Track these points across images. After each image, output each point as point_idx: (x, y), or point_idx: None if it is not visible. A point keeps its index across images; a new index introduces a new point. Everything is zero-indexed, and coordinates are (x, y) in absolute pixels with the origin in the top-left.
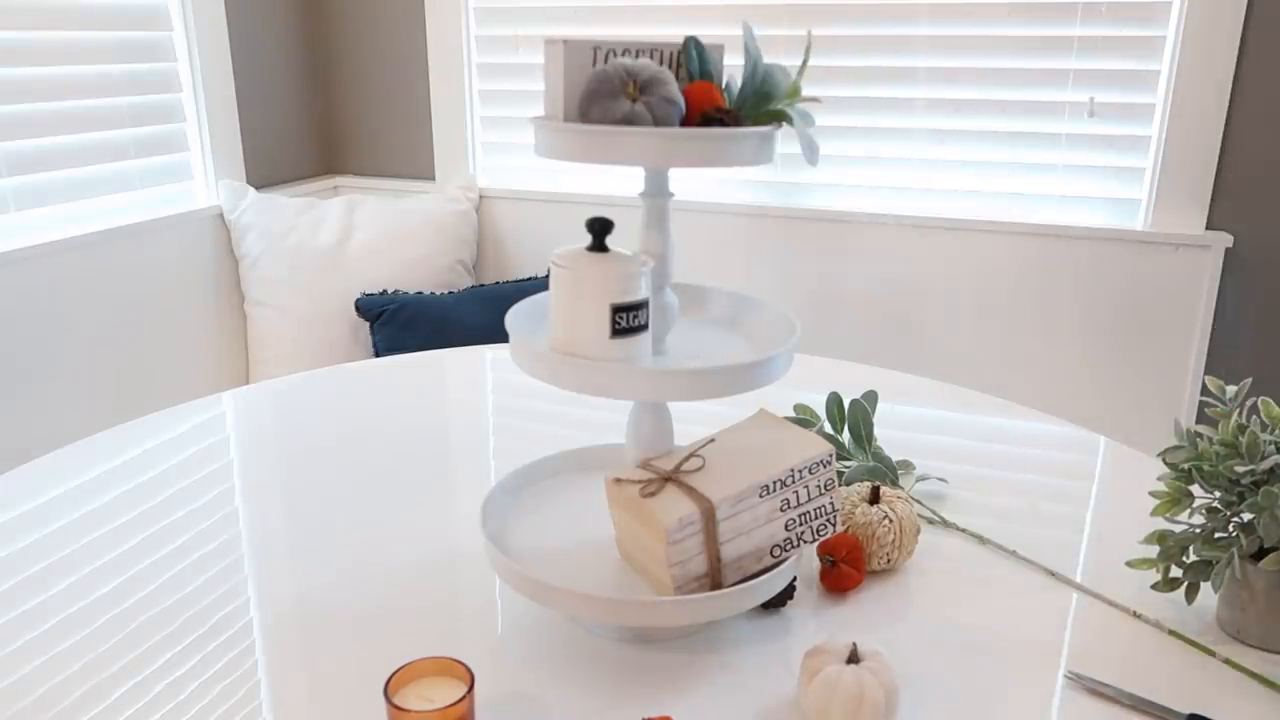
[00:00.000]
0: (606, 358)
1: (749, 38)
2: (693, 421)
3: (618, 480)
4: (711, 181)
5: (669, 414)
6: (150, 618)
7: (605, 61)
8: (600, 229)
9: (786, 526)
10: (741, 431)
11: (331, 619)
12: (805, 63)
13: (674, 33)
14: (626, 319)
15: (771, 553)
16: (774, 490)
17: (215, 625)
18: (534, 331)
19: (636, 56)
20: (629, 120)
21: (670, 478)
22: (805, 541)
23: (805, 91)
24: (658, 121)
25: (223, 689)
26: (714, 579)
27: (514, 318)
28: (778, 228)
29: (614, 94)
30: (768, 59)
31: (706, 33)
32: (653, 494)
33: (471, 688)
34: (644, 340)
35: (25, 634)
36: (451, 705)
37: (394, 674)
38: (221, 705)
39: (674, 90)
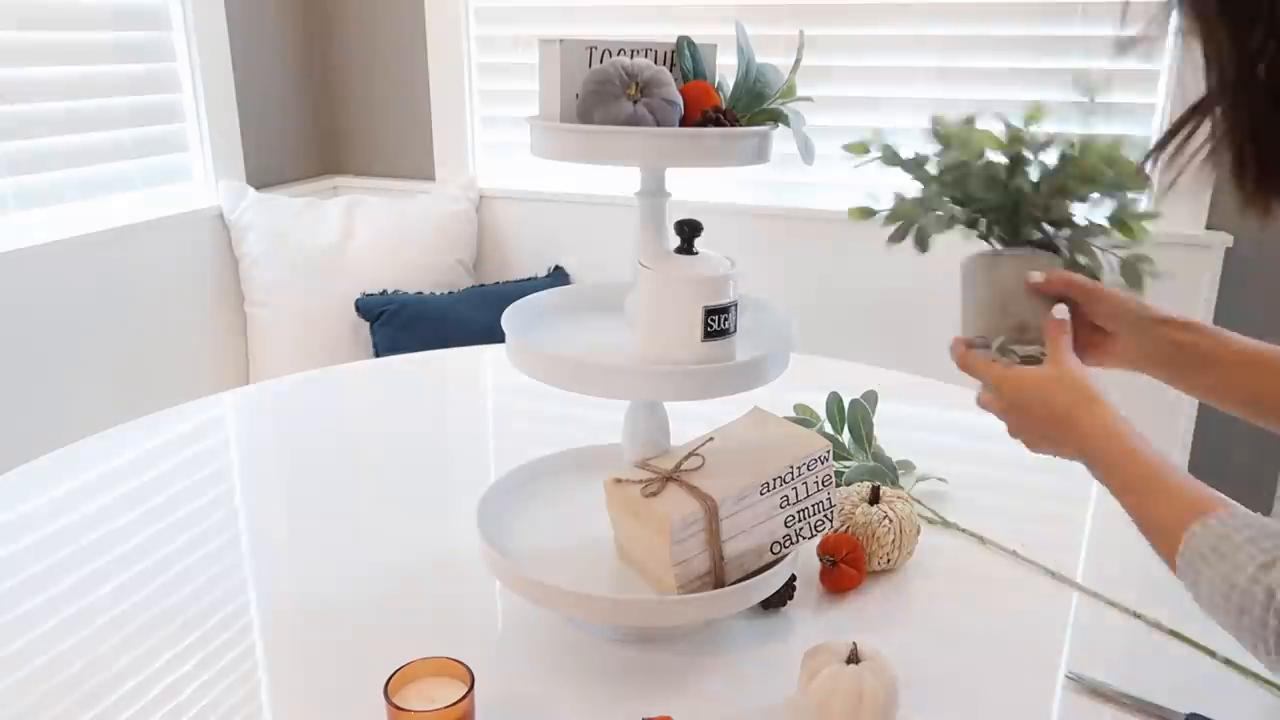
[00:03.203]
0: (697, 361)
1: (742, 37)
2: (686, 420)
3: (618, 481)
4: (709, 181)
5: (665, 414)
6: (150, 618)
7: (601, 61)
8: (690, 231)
9: (786, 523)
10: (738, 429)
11: (331, 619)
12: (798, 61)
13: (657, 31)
14: (719, 321)
15: (771, 549)
16: (774, 487)
17: (215, 625)
18: (531, 332)
19: (632, 56)
20: (632, 121)
21: (671, 477)
22: (804, 538)
23: (799, 90)
24: (659, 122)
25: (223, 689)
26: (716, 577)
27: (511, 319)
28: (776, 227)
29: (616, 95)
30: (759, 58)
31: (690, 32)
32: (654, 494)
33: (471, 688)
34: (732, 343)
35: (26, 634)
36: (451, 705)
37: (394, 674)
38: (221, 705)
39: (674, 91)
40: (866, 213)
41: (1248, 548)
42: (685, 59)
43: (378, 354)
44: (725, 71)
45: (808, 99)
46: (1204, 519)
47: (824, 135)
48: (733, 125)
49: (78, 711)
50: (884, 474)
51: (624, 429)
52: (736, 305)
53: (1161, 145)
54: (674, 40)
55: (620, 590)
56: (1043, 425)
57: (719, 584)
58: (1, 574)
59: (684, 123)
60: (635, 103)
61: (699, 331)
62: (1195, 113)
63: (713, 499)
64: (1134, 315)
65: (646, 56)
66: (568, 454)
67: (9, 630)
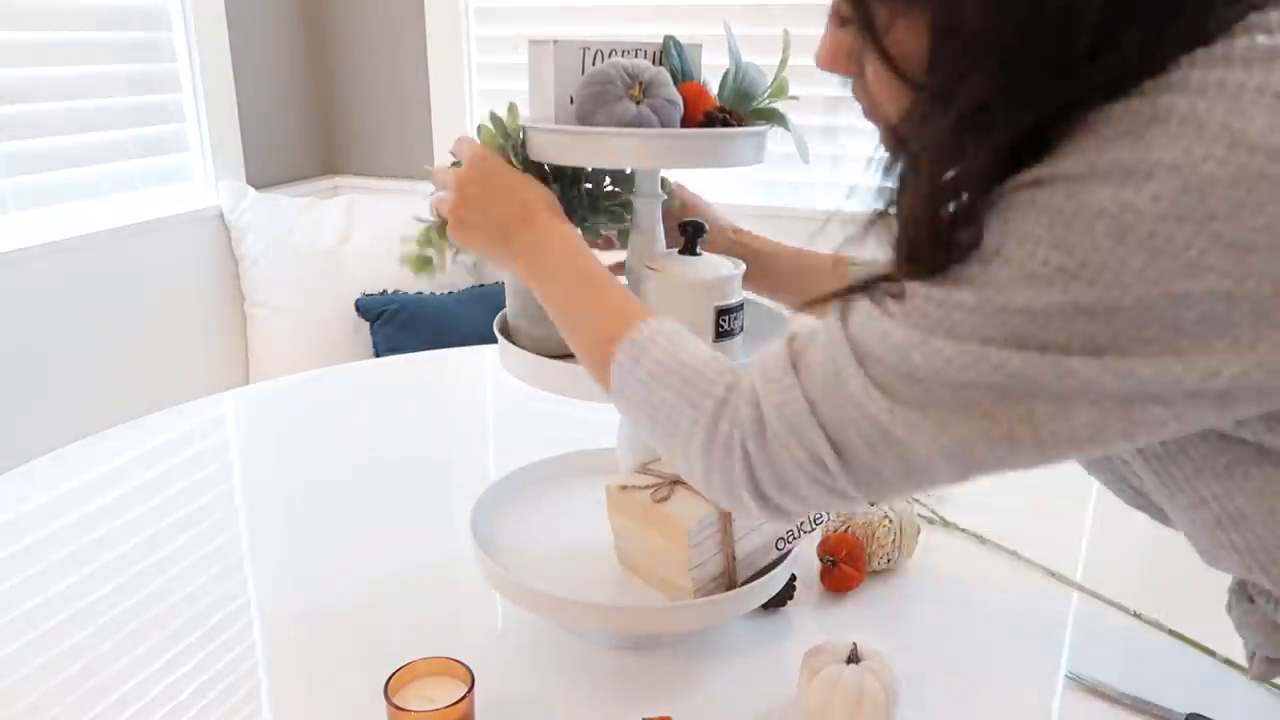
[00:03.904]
0: None
1: (731, 38)
2: None
3: (623, 488)
4: (706, 181)
5: None
6: (150, 618)
7: (595, 63)
8: (694, 233)
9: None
10: None
11: (331, 619)
12: (785, 60)
13: (640, 31)
14: (728, 321)
15: (776, 545)
16: None
17: (215, 625)
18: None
19: (624, 56)
20: (637, 122)
21: (679, 481)
22: (805, 531)
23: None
24: (663, 123)
25: (223, 689)
26: (729, 577)
27: (504, 321)
28: (773, 227)
29: (618, 96)
30: (745, 58)
31: (672, 31)
32: (665, 499)
33: (471, 688)
34: (738, 343)
35: (25, 634)
36: (451, 705)
37: (394, 674)
38: (221, 706)
39: (674, 91)
40: (425, 263)
41: (703, 345)
42: (673, 59)
43: (378, 354)
44: (709, 71)
45: (794, 98)
46: (661, 319)
47: (808, 134)
48: (739, 125)
49: (78, 712)
50: None
51: (620, 433)
52: (743, 305)
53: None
54: (658, 40)
55: (622, 596)
56: (498, 214)
57: (731, 584)
58: (1, 574)
59: (683, 123)
60: (638, 103)
61: (710, 332)
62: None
63: None
64: (722, 221)
65: (639, 56)
66: (554, 460)
67: (9, 630)
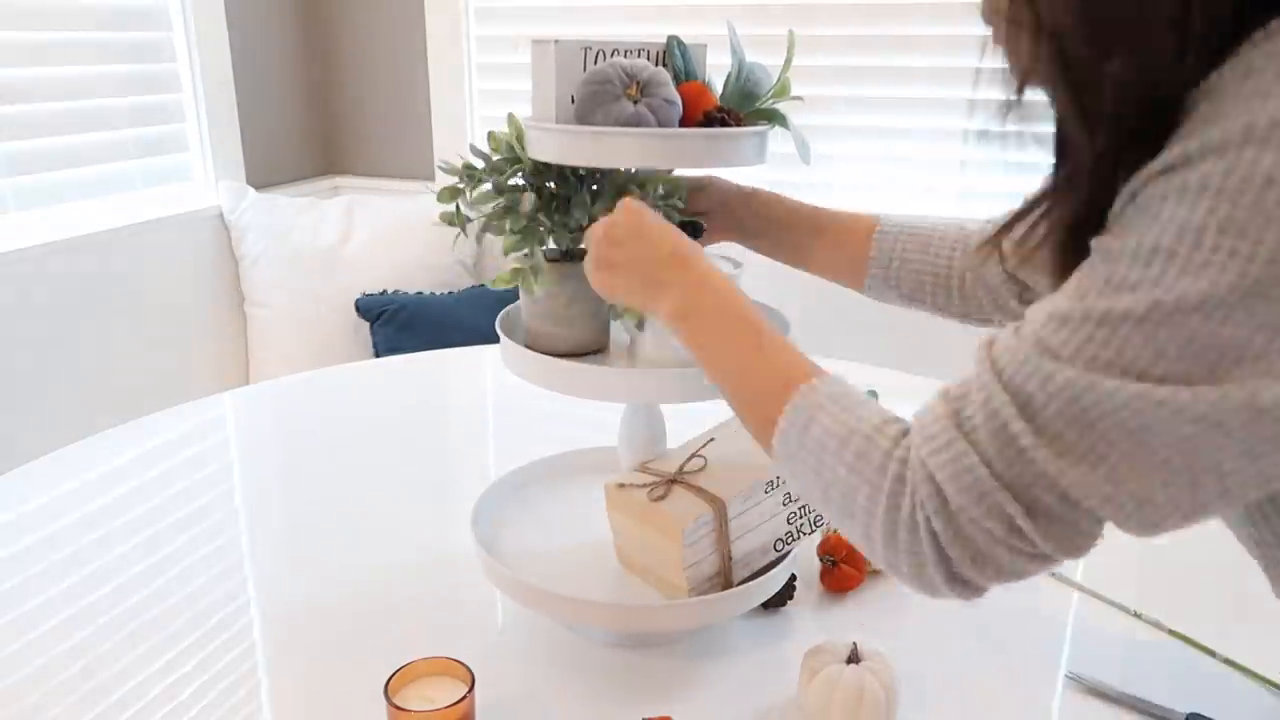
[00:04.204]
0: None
1: (734, 37)
2: (674, 419)
3: (620, 486)
4: None
5: (661, 416)
6: (150, 618)
7: (595, 62)
8: (692, 232)
9: (788, 520)
10: (733, 429)
11: (331, 619)
12: (789, 60)
13: (643, 31)
14: None
15: (775, 546)
16: (778, 485)
17: (215, 625)
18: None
19: (625, 56)
20: (634, 122)
21: (676, 480)
22: (805, 533)
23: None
24: (660, 122)
25: (223, 689)
26: (725, 577)
27: (505, 321)
28: None
29: (615, 95)
30: (749, 58)
31: (672, 32)
32: (661, 497)
33: (472, 688)
34: None
35: (26, 634)
36: (451, 705)
37: (394, 674)
38: (221, 705)
39: (673, 91)
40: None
41: (872, 404)
42: (676, 59)
43: (378, 354)
44: (714, 71)
45: (798, 99)
46: (825, 376)
47: (810, 134)
48: (737, 125)
49: (78, 712)
50: None
51: (621, 432)
52: None
53: (1007, 228)
54: (662, 40)
55: (621, 594)
56: (646, 254)
57: (727, 584)
58: (1, 574)
59: (683, 123)
60: (635, 103)
61: None
62: (1044, 200)
63: (721, 500)
64: (732, 191)
65: (640, 56)
66: (555, 459)
67: (9, 631)
